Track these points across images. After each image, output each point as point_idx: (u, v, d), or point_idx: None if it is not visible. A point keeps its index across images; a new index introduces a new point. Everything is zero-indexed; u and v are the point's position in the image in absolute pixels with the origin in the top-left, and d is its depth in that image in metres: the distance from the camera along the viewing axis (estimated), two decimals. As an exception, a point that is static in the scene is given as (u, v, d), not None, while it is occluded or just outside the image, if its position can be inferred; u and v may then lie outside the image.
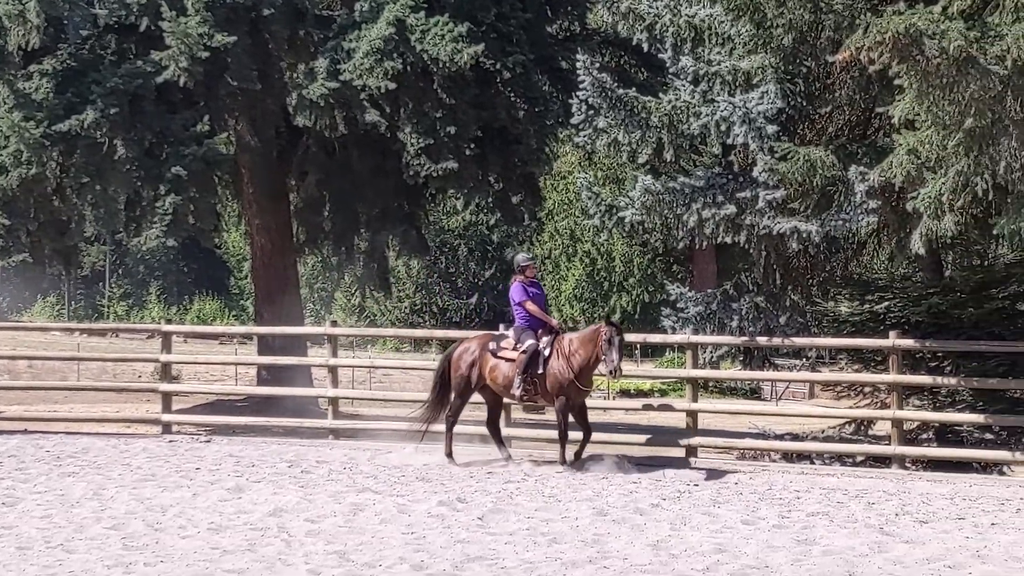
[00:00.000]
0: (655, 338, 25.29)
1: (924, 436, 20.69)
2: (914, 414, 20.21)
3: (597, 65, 21.91)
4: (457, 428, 20.08)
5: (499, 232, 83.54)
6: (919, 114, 16.52)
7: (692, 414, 20.62)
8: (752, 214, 19.80)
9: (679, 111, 20.51)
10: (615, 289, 77.99)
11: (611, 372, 18.58)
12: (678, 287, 21.52)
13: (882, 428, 20.78)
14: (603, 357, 18.58)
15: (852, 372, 21.93)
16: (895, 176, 17.71)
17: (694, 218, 20.16)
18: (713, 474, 18.65)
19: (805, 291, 21.91)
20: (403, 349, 77.10)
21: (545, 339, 19.19)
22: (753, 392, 46.15)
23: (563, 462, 18.98)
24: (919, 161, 17.24)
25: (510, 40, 28.38)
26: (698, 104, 20.36)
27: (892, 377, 19.32)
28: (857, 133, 21.36)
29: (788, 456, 20.83)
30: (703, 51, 20.87)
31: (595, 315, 77.88)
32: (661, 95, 21.17)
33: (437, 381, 20.13)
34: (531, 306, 19.41)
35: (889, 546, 13.07)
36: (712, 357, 21.92)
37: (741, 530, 13.97)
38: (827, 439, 20.93)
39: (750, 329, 20.48)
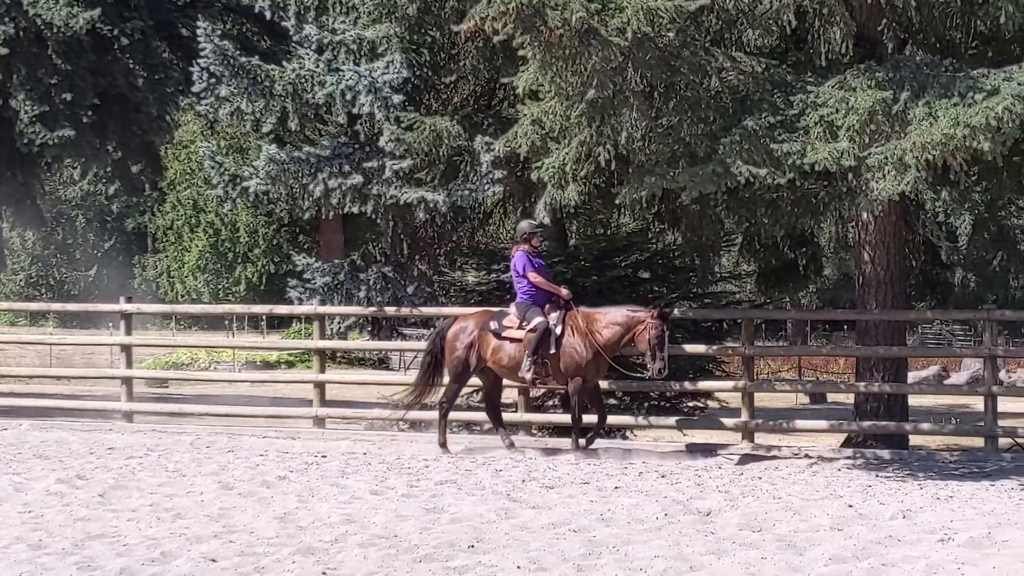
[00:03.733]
0: (282, 309, 25.04)
1: (550, 403, 21.02)
2: (542, 381, 20.50)
3: (219, 32, 21.57)
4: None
5: (119, 202, 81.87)
6: (543, 85, 16.70)
7: (320, 385, 20.47)
8: (379, 184, 19.84)
9: (303, 80, 20.35)
10: (240, 260, 77.28)
11: (658, 371, 17.52)
12: (305, 258, 21.39)
13: (508, 396, 21.01)
14: (649, 353, 17.45)
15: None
16: (520, 146, 17.90)
17: (320, 188, 20.06)
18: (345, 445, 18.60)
19: (433, 261, 22.07)
20: (18, 323, 74.87)
21: (554, 315, 17.82)
22: (382, 362, 46.27)
23: (576, 447, 17.93)
24: (543, 131, 17.45)
25: (128, 5, 27.73)
26: (323, 73, 20.25)
27: (517, 345, 19.55)
28: (482, 103, 21.59)
29: (416, 425, 20.90)
30: (327, 19, 20.74)
31: (219, 287, 77.10)
32: (285, 64, 20.96)
33: (428, 362, 18.78)
34: (535, 277, 17.88)
35: (516, 512, 13.17)
36: (340, 328, 21.91)
37: (370, 500, 13.90)
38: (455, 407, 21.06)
39: (378, 299, 20.47)
